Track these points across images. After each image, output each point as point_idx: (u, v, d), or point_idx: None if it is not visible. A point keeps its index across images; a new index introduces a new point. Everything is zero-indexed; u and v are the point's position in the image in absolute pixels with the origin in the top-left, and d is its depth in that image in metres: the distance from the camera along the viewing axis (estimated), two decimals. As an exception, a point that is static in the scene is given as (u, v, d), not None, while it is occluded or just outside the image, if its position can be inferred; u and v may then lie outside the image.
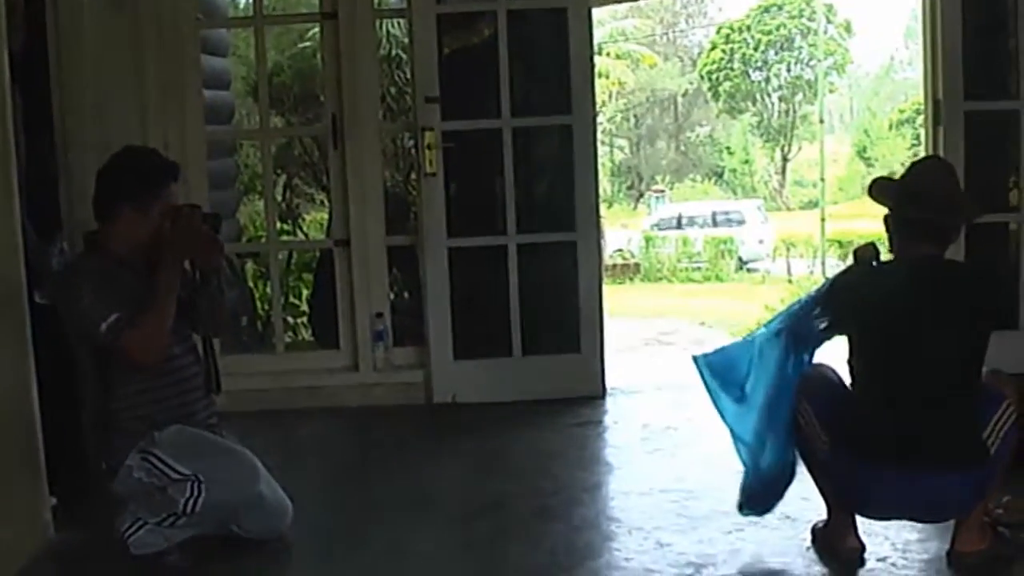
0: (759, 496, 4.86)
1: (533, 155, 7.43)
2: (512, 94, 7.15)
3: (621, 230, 36.18)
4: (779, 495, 4.84)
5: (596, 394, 7.24)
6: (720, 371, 4.91)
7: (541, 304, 7.34)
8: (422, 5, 7.08)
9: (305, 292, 10.16)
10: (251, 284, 10.00)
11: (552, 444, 6.48)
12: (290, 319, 9.77)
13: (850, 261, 4.77)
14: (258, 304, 9.80)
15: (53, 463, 5.16)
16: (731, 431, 4.89)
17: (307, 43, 12.70)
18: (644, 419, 6.84)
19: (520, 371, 7.26)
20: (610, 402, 7.20)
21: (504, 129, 7.15)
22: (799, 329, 4.73)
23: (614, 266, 31.66)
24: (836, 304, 4.64)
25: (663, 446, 6.35)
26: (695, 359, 4.95)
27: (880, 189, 4.68)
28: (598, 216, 7.43)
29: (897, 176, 4.77)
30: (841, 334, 4.66)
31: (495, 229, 7.25)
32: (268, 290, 8.36)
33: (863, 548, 4.64)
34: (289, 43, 12.93)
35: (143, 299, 4.68)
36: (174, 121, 7.15)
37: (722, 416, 4.91)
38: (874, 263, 4.61)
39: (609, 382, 7.33)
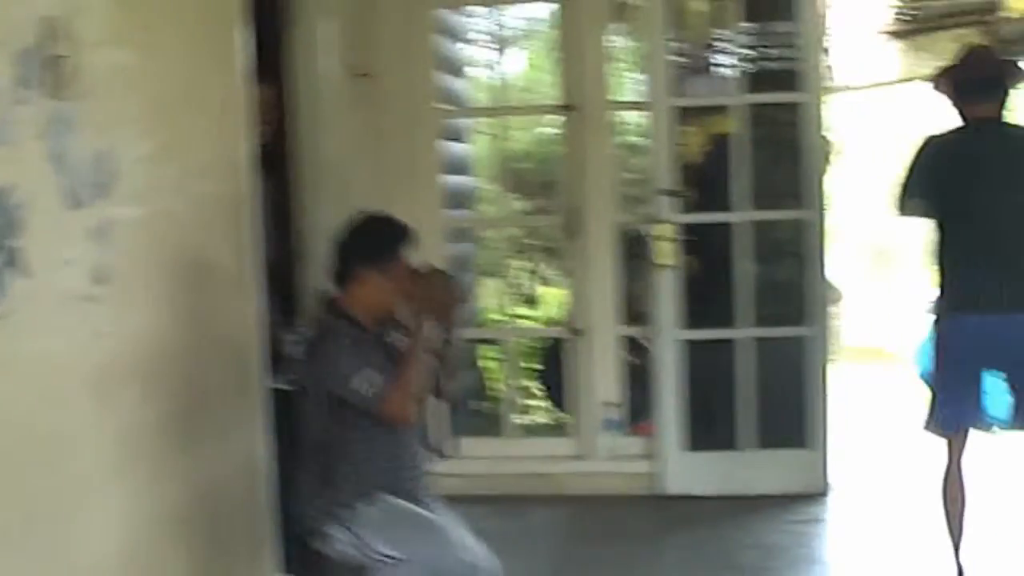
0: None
1: (766, 248, 7.40)
2: (748, 186, 7.19)
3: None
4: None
5: (820, 491, 7.15)
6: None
7: (770, 397, 7.27)
8: (660, 98, 7.18)
9: (538, 378, 10.19)
10: (484, 367, 10.09)
11: (774, 541, 6.45)
12: (522, 401, 9.83)
13: None
14: (490, 387, 9.87)
15: (286, 543, 5.29)
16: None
17: (552, 128, 12.74)
18: (869, 519, 6.79)
19: (747, 465, 7.23)
20: (833, 499, 7.12)
21: (735, 223, 7.18)
22: None
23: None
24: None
25: (887, 546, 6.28)
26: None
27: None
28: (825, 310, 7.39)
29: None
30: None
31: (726, 322, 7.25)
32: (502, 374, 8.44)
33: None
34: (533, 124, 12.95)
35: (398, 363, 4.68)
36: (415, 206, 7.29)
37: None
38: None
39: (835, 478, 7.24)
